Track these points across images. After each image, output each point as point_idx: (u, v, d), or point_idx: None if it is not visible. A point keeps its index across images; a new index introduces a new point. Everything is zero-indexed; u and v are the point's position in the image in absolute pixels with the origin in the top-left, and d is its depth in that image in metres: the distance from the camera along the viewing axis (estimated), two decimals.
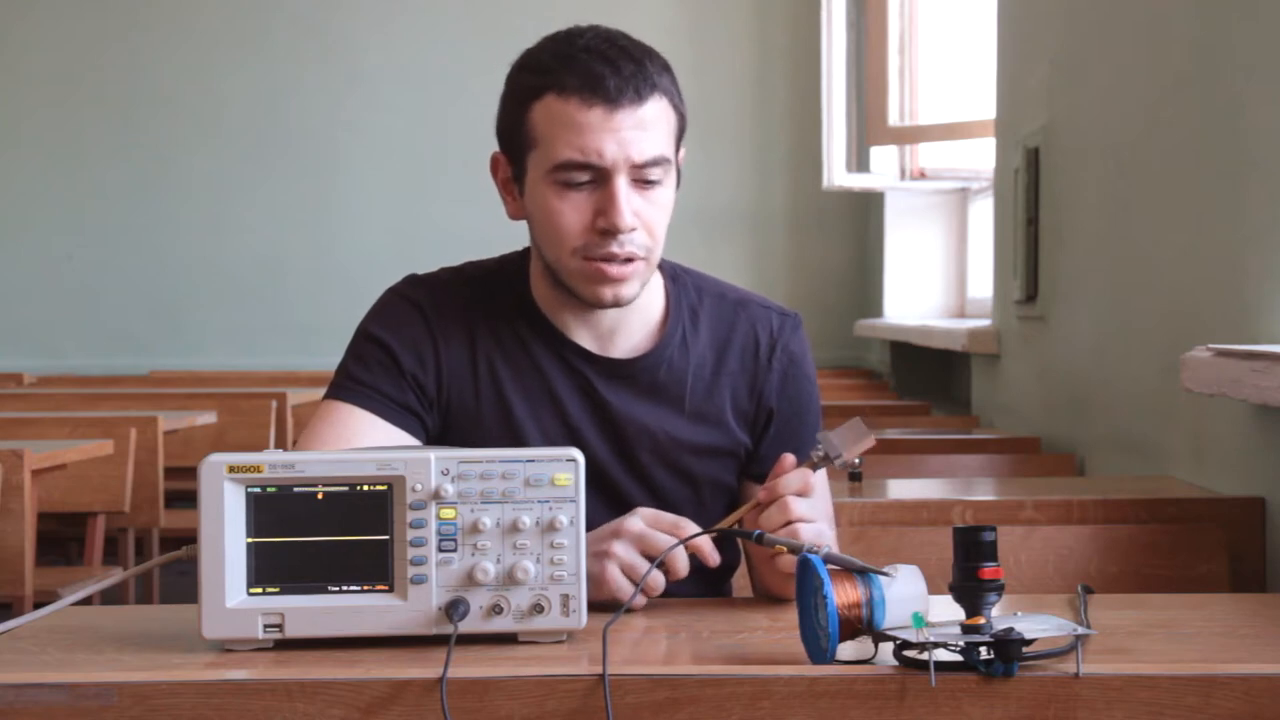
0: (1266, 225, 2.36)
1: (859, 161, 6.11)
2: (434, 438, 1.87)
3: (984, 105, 4.87)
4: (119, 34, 7.52)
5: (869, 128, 5.93)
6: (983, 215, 5.44)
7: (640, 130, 1.76)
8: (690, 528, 1.70)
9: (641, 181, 1.77)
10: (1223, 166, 2.56)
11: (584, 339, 1.87)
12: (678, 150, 1.84)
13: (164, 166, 7.53)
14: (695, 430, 1.89)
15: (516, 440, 1.85)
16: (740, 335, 1.92)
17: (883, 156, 6.04)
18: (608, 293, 1.80)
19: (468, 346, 1.87)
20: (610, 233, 1.76)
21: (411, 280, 1.92)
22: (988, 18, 4.64)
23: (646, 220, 1.78)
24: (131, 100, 7.52)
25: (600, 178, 1.76)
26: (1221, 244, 2.56)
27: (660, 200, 1.80)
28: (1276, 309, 2.32)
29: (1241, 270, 2.45)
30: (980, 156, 5.39)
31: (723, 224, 7.33)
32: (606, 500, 1.84)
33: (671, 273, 1.94)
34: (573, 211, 1.77)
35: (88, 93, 7.53)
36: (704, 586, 1.86)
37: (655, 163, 1.77)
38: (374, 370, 1.85)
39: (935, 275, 6.07)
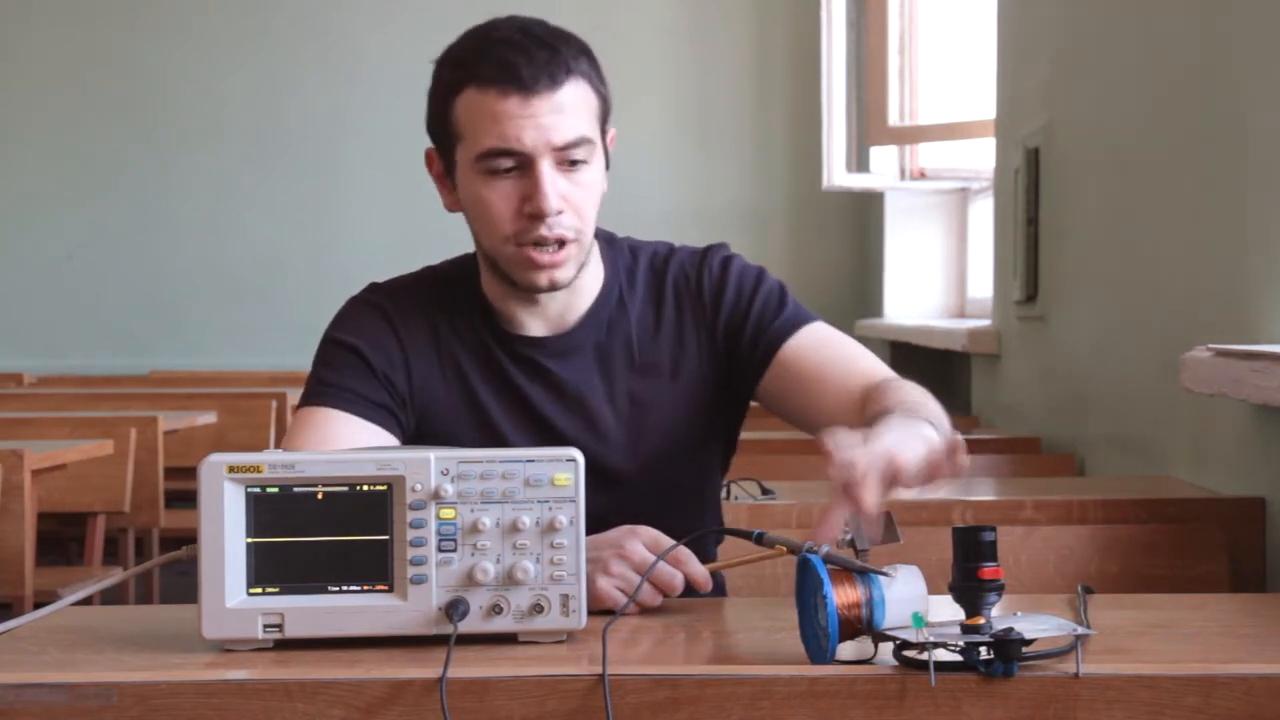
0: (1266, 225, 2.36)
1: (859, 161, 6.10)
2: (410, 435, 1.88)
3: (984, 105, 4.87)
4: (119, 34, 7.52)
5: (869, 128, 5.93)
6: (983, 215, 5.44)
7: (558, 115, 1.79)
8: (687, 553, 1.69)
9: (566, 163, 1.81)
10: (1223, 166, 2.56)
11: (535, 328, 1.90)
12: (604, 132, 1.87)
13: (164, 166, 7.53)
14: (651, 387, 1.91)
15: (491, 435, 1.87)
16: (672, 280, 1.94)
17: (883, 156, 6.03)
18: (543, 278, 1.83)
19: (433, 347, 1.90)
20: (537, 217, 1.79)
21: (372, 287, 1.96)
22: (988, 18, 4.64)
23: (574, 202, 1.81)
24: (131, 100, 7.52)
25: (524, 164, 1.80)
26: (1221, 244, 2.56)
27: (586, 181, 1.83)
28: (1276, 309, 2.32)
29: (1241, 270, 2.45)
30: (980, 156, 5.38)
31: (723, 224, 7.33)
32: (593, 479, 1.84)
33: (608, 240, 1.97)
34: (501, 199, 1.81)
35: (88, 93, 7.53)
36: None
37: (576, 144, 1.80)
38: (345, 373, 1.87)
39: (935, 275, 6.07)
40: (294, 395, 5.21)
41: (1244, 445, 2.46)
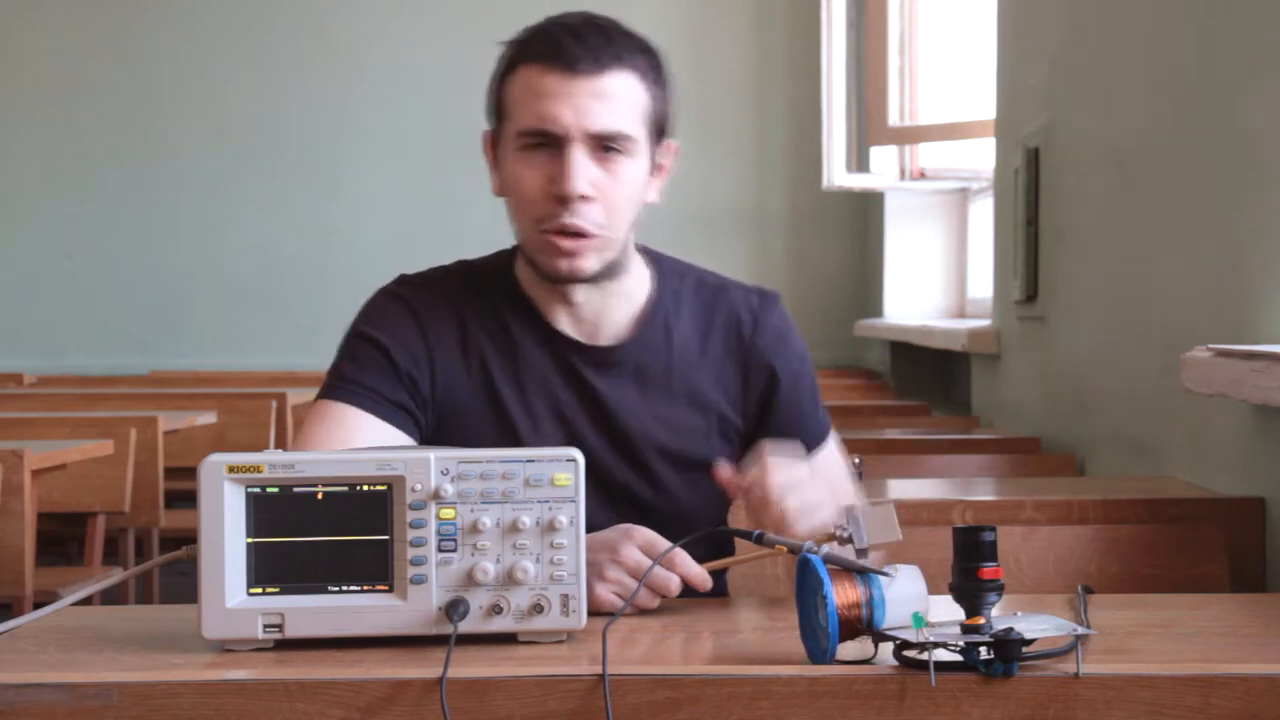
0: (1266, 225, 2.36)
1: (859, 161, 6.11)
2: (428, 435, 1.87)
3: (984, 105, 4.87)
4: (119, 34, 7.52)
5: (869, 128, 5.93)
6: (983, 215, 5.44)
7: (597, 100, 1.77)
8: (683, 554, 1.68)
9: (602, 151, 1.79)
10: (1223, 166, 2.56)
11: (569, 327, 1.89)
12: (658, 138, 1.84)
13: (164, 166, 7.53)
14: (683, 413, 1.90)
15: (511, 435, 1.85)
16: (722, 318, 1.93)
17: (883, 156, 6.03)
18: (563, 264, 1.81)
19: (459, 343, 1.88)
20: (563, 200, 1.78)
21: (401, 280, 1.93)
22: (988, 18, 4.64)
23: (605, 193, 1.79)
24: (131, 100, 7.52)
25: (557, 143, 1.78)
26: (1221, 244, 2.56)
27: (623, 175, 1.80)
28: (1276, 309, 2.32)
29: (1241, 270, 2.45)
30: (980, 156, 5.38)
31: (723, 224, 7.33)
32: (603, 490, 1.84)
33: (655, 259, 1.95)
34: (531, 177, 1.80)
35: (88, 93, 7.53)
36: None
37: (614, 136, 1.78)
38: (367, 369, 1.85)
39: (935, 275, 6.07)
40: (294, 395, 5.22)
41: (1244, 445, 2.46)
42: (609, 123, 1.78)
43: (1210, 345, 2.35)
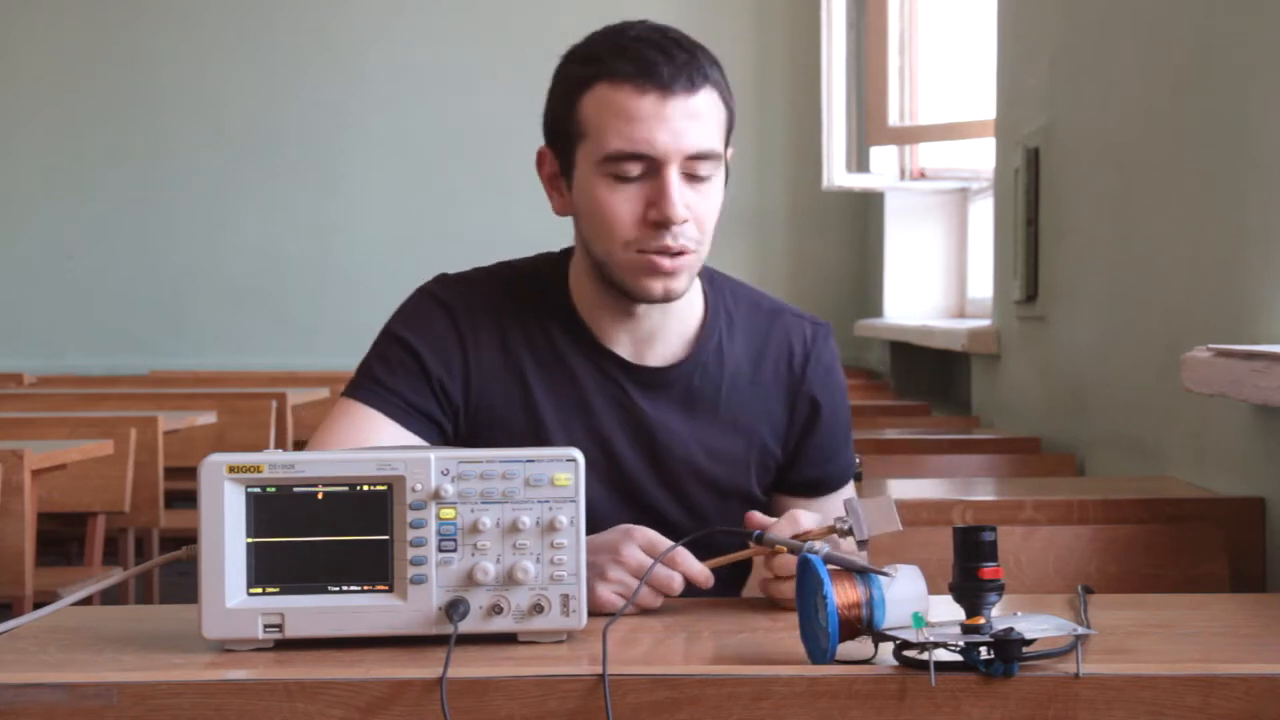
0: (1266, 225, 2.36)
1: (859, 161, 6.11)
2: (461, 443, 1.83)
3: (984, 105, 4.87)
4: (119, 34, 7.52)
5: (869, 128, 5.93)
6: (983, 215, 5.44)
7: (693, 120, 1.74)
8: (684, 552, 1.67)
9: (692, 175, 1.75)
10: (1223, 166, 2.56)
11: (621, 345, 1.84)
12: (727, 146, 1.82)
13: (164, 166, 7.53)
14: (727, 439, 1.87)
15: (541, 444, 1.81)
16: (775, 345, 1.90)
17: (883, 156, 6.03)
18: (658, 286, 1.76)
19: (498, 350, 1.84)
20: (663, 225, 1.73)
21: (442, 280, 1.89)
22: (988, 18, 4.64)
23: (698, 213, 1.76)
24: (131, 100, 7.52)
25: (652, 169, 1.73)
26: (1221, 244, 2.56)
27: (711, 192, 1.78)
28: (1276, 309, 2.32)
29: (1241, 270, 2.45)
30: (980, 156, 5.38)
31: (723, 224, 7.30)
32: (637, 509, 1.82)
33: (709, 277, 1.91)
34: (624, 204, 1.74)
35: (88, 93, 7.53)
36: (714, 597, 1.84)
37: (706, 156, 1.75)
38: (397, 373, 1.82)
39: (935, 275, 6.07)
40: (294, 395, 5.22)
41: (1244, 445, 2.46)
42: (703, 143, 1.74)
43: (1210, 345, 2.35)
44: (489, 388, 1.83)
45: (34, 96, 7.55)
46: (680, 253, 1.75)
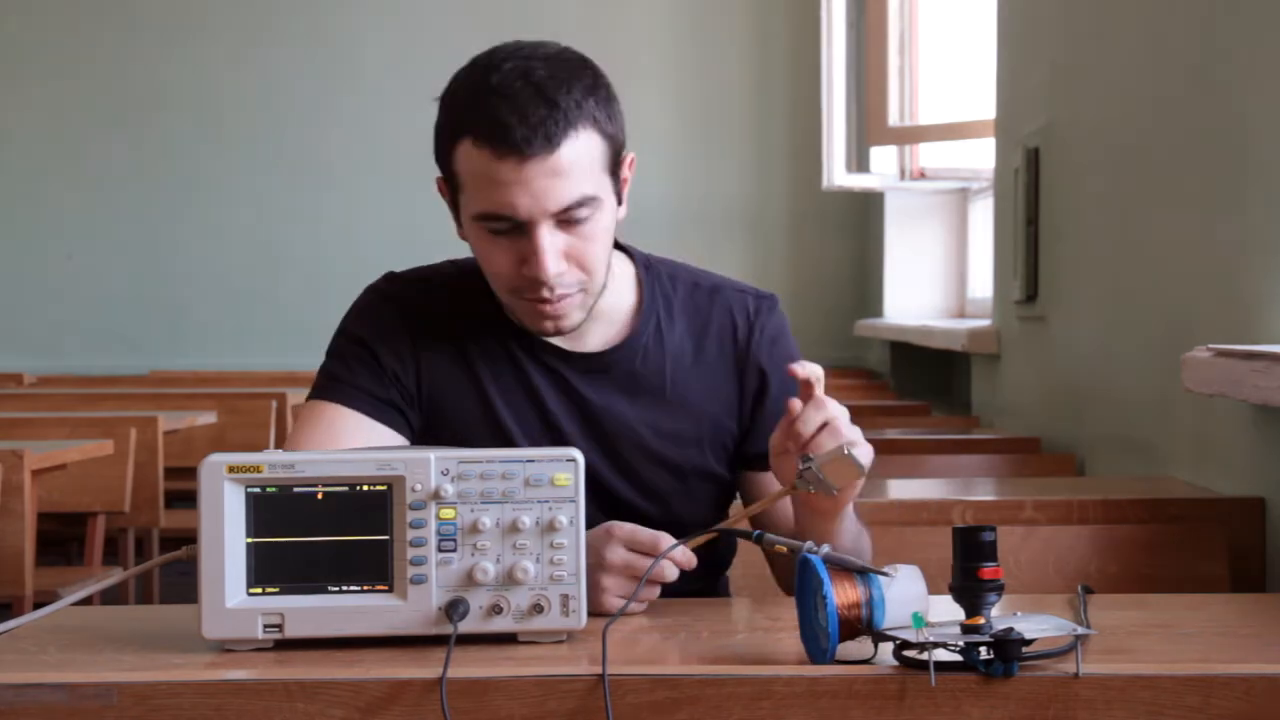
0: (1266, 225, 2.36)
1: (859, 161, 6.11)
2: (417, 435, 1.86)
3: (984, 105, 4.87)
4: (119, 34, 7.52)
5: (869, 128, 5.93)
6: (983, 215, 5.44)
7: (555, 178, 1.70)
8: (667, 540, 1.67)
9: (567, 221, 1.73)
10: (1223, 166, 2.56)
11: (558, 339, 1.86)
12: (616, 174, 1.78)
13: (164, 166, 7.53)
14: (677, 420, 1.88)
15: (499, 436, 1.84)
16: (717, 321, 1.91)
17: (883, 156, 6.03)
18: (548, 325, 1.80)
19: (447, 344, 1.86)
20: (537, 282, 1.74)
21: (389, 277, 1.92)
22: (988, 18, 4.64)
23: (578, 255, 1.75)
24: (131, 100, 7.52)
25: (520, 227, 1.73)
26: (1221, 244, 2.56)
27: (593, 232, 1.75)
28: (1276, 309, 2.32)
29: (1241, 270, 2.45)
30: (980, 156, 5.38)
31: (723, 224, 7.33)
32: (592, 495, 1.83)
33: (644, 262, 1.92)
34: (500, 254, 1.76)
35: (88, 92, 7.53)
36: (698, 583, 1.84)
37: (576, 205, 1.72)
38: (355, 369, 1.84)
39: (935, 275, 6.07)
40: (294, 395, 5.22)
41: (1244, 445, 2.46)
42: (569, 196, 1.72)
43: (1210, 345, 2.35)
44: (441, 380, 1.86)
45: (34, 96, 7.54)
46: (563, 297, 1.76)
